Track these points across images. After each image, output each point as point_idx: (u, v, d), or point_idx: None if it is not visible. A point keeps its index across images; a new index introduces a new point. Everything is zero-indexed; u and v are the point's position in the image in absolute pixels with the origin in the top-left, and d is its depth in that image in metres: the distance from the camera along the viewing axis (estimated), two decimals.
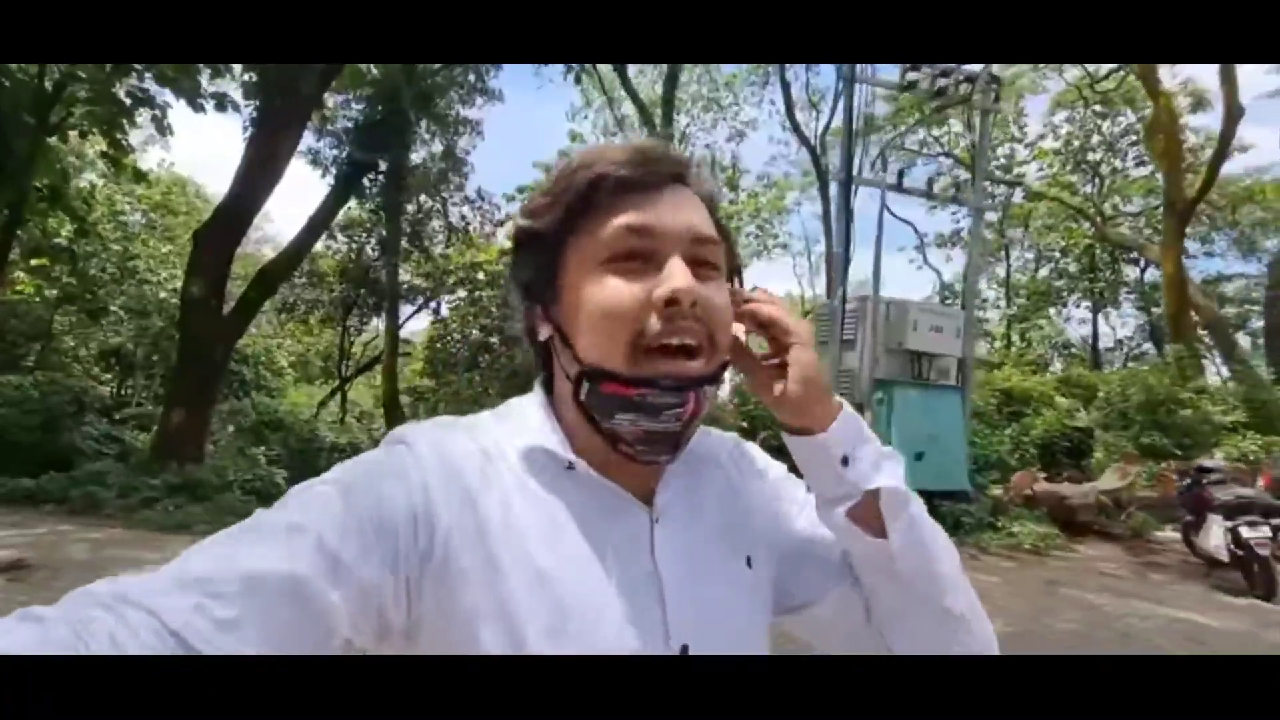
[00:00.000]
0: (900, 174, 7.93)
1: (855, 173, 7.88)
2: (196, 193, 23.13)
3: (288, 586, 0.42)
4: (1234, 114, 13.12)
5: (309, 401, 19.48)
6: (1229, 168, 23.08)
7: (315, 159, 11.93)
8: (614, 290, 0.53)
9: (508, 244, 16.51)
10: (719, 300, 0.55)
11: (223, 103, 8.79)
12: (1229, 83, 13.24)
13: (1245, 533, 5.33)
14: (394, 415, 15.48)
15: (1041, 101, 24.88)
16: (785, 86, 17.77)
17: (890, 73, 8.24)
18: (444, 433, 0.56)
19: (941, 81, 7.87)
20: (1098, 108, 23.19)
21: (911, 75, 7.89)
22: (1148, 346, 25.70)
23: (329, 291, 17.58)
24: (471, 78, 13.31)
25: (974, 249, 8.49)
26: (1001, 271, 28.37)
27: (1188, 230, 24.89)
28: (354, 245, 16.59)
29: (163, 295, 14.59)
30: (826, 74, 16.65)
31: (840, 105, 8.28)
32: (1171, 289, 15.02)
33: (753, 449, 0.71)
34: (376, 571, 0.46)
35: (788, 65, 17.05)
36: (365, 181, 11.56)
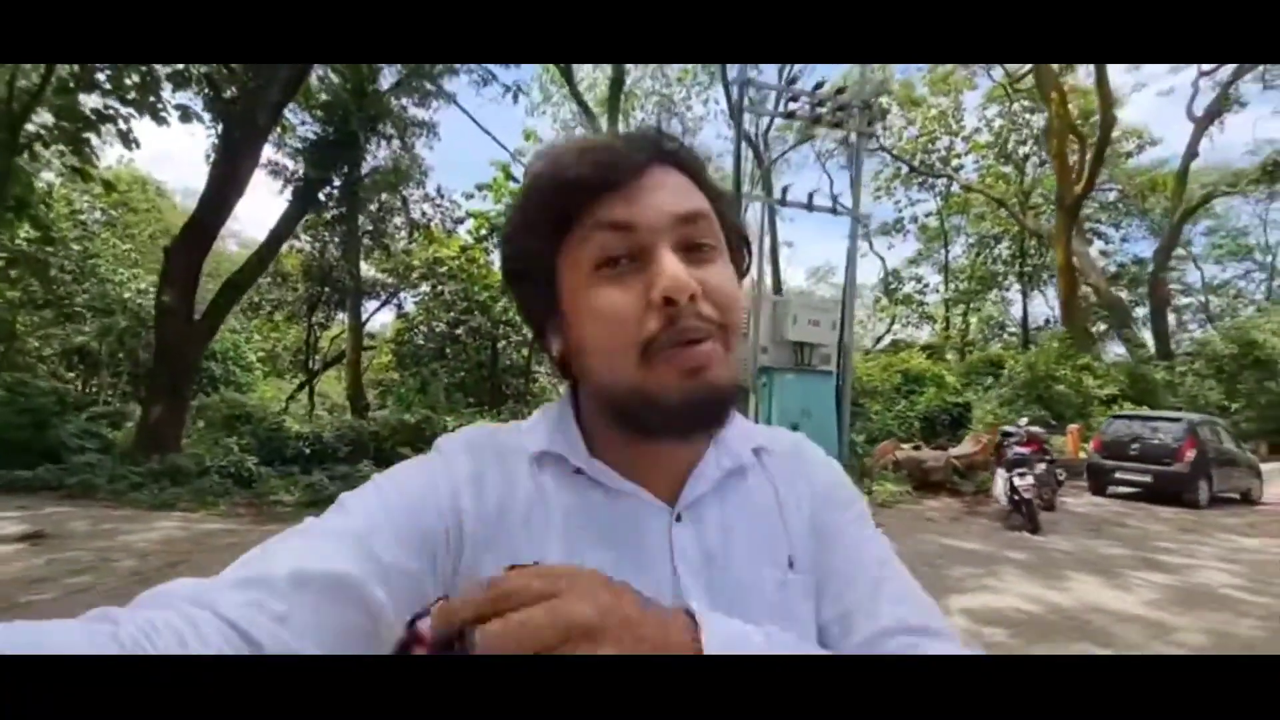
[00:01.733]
0: (784, 190, 9.26)
1: (746, 189, 9.16)
2: (157, 190, 23.29)
3: (332, 583, 0.44)
4: (1108, 121, 14.71)
5: (278, 395, 19.65)
6: (1140, 160, 25.13)
7: (275, 171, 12.77)
8: (609, 299, 0.51)
9: (468, 239, 16.68)
10: (719, 281, 0.52)
11: (187, 114, 9.35)
12: (1103, 95, 14.84)
13: (1016, 481, 6.94)
14: (358, 407, 16.33)
15: (977, 97, 26.50)
16: (727, 85, 18.88)
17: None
18: (474, 440, 0.58)
19: (819, 110, 9.18)
20: (1025, 103, 24.81)
21: (791, 105, 9.18)
22: None
23: (293, 290, 18.07)
24: (428, 84, 14.03)
25: (852, 252, 9.83)
26: (942, 258, 30.21)
27: (1103, 218, 26.89)
28: (317, 244, 16.93)
29: (126, 295, 14.73)
30: (769, 73, 17.72)
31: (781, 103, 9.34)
32: (1063, 276, 16.69)
33: (811, 450, 0.66)
34: (417, 569, 0.48)
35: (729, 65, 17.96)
36: (321, 196, 12.42)
